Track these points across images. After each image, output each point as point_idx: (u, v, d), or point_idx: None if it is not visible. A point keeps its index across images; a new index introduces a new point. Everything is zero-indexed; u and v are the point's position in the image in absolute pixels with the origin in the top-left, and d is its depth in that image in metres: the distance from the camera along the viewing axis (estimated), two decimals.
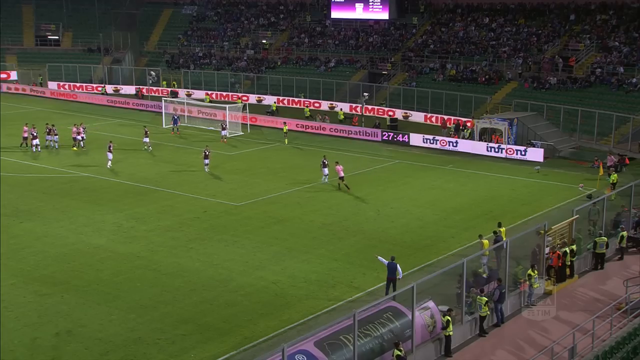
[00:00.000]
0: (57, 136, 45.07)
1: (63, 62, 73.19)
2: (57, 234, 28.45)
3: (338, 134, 50.70)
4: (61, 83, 70.93)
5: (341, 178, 35.31)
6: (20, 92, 69.94)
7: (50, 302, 22.11)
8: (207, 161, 38.89)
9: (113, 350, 19.31)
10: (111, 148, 39.97)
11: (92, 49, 77.77)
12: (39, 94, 69.01)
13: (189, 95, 65.09)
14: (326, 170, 36.42)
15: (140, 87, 67.79)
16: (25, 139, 44.30)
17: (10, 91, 70.25)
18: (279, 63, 70.58)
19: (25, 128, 44.64)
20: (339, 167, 35.45)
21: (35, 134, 43.91)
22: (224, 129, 48.32)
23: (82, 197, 34.02)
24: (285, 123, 49.92)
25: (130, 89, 69.36)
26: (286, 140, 47.69)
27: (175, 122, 51.14)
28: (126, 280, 23.92)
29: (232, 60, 73.30)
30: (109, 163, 39.57)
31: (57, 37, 79.60)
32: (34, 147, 43.57)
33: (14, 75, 73.87)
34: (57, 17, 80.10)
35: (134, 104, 62.98)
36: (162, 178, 37.79)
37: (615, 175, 34.85)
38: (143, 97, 65.86)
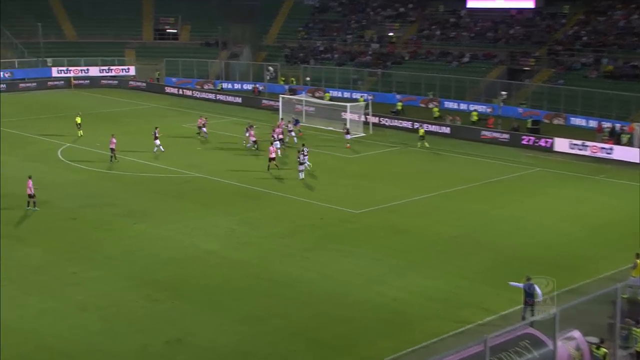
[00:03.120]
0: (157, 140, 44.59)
1: (180, 57, 76.49)
2: (169, 237, 29.82)
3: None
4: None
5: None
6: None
7: (161, 308, 23.15)
8: (305, 164, 38.94)
9: None
10: (252, 131, 46.11)
11: (209, 42, 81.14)
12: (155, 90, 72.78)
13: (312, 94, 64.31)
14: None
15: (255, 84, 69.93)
16: (113, 150, 41.82)
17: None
18: (406, 58, 70.32)
19: (114, 140, 41.98)
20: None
21: (157, 134, 44.57)
22: (347, 133, 48.01)
23: (194, 198, 35.44)
24: (421, 126, 49.25)
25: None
26: (423, 144, 46.51)
27: (296, 122, 50.31)
28: (238, 289, 24.65)
29: (355, 54, 73.82)
30: (253, 144, 45.49)
31: (175, 31, 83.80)
32: (155, 148, 44.09)
33: (132, 70, 78.19)
34: (175, 10, 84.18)
35: (248, 102, 65.09)
36: (274, 181, 38.66)
37: None
38: (260, 93, 67.87)
